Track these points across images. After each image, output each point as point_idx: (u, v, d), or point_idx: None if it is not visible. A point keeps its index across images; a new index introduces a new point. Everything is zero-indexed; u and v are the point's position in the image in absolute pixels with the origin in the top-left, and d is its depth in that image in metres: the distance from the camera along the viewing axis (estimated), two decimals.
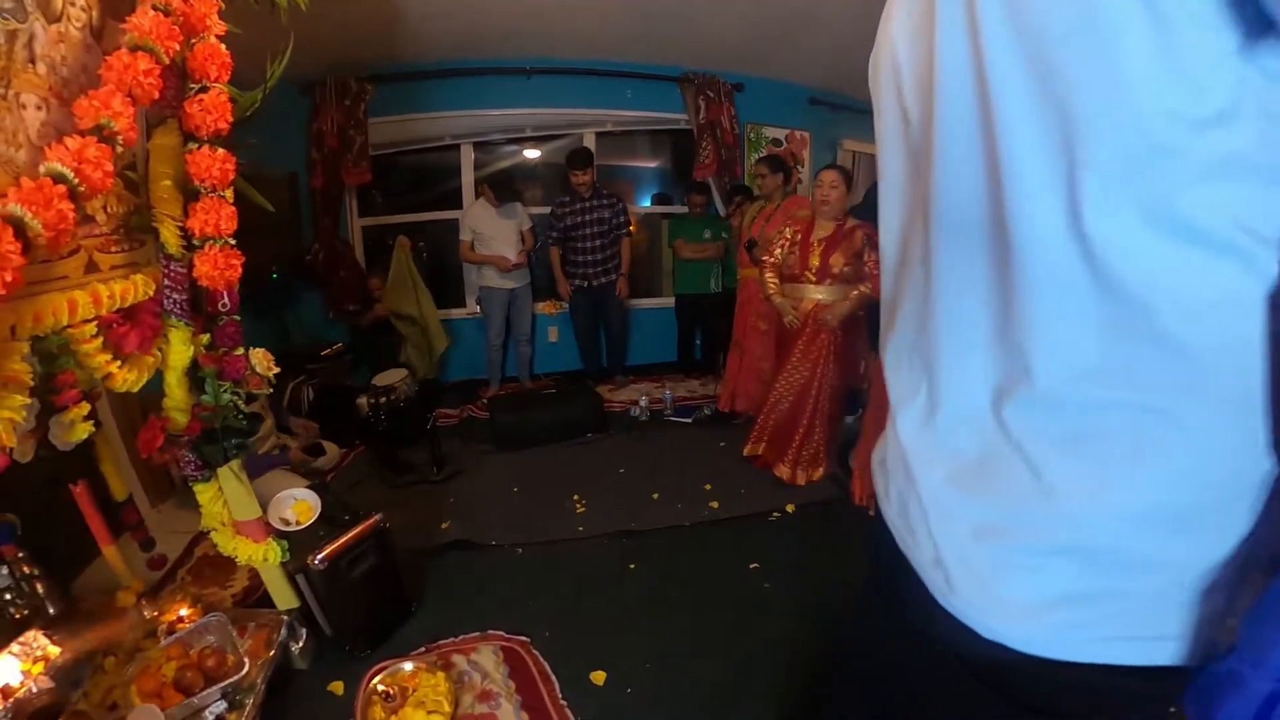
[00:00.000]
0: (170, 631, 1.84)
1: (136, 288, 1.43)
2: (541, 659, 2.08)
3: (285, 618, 1.97)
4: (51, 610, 1.81)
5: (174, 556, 2.51)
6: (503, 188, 4.52)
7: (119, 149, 1.17)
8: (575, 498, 3.20)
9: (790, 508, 3.09)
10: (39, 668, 1.60)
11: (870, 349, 3.45)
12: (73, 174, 1.06)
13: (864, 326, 3.23)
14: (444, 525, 2.93)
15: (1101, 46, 0.44)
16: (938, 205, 0.62)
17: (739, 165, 5.30)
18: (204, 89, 1.53)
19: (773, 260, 3.32)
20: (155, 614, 1.93)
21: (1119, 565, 0.53)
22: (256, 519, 1.91)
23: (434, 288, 4.78)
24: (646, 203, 6.04)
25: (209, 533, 1.91)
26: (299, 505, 2.08)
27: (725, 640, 2.16)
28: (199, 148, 1.55)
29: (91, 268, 1.35)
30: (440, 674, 1.90)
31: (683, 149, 5.56)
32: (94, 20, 1.35)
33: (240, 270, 1.65)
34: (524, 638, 2.17)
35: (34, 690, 1.54)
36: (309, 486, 2.23)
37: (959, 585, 0.62)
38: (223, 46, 1.55)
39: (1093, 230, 0.47)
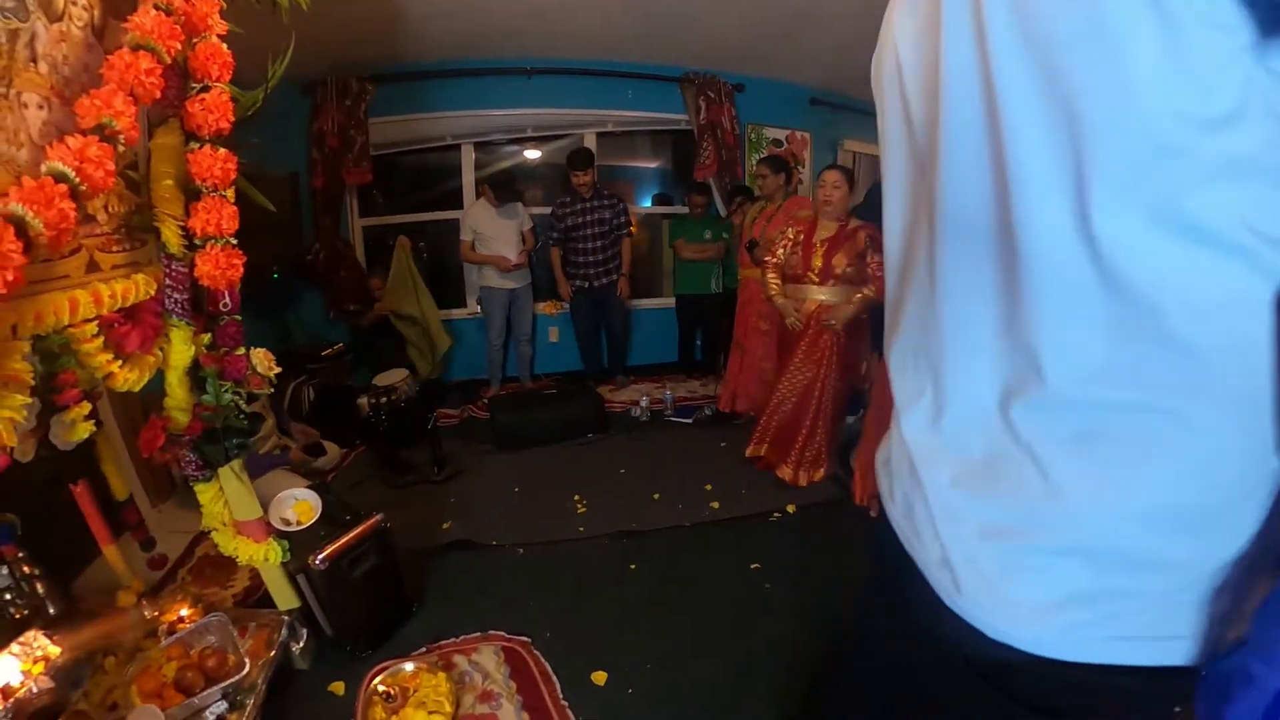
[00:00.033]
0: (171, 631, 1.84)
1: (138, 287, 1.42)
2: (543, 659, 2.07)
3: (286, 618, 1.96)
4: (52, 610, 1.81)
5: (175, 556, 2.51)
6: (503, 188, 4.52)
7: (120, 148, 1.17)
8: (576, 498, 3.20)
9: (791, 508, 3.08)
10: (39, 668, 1.60)
11: (872, 349, 3.45)
12: (74, 173, 1.06)
13: (867, 327, 3.22)
14: (445, 525, 2.93)
15: (1109, 51, 0.44)
16: (943, 207, 0.62)
17: (740, 166, 5.30)
18: (206, 88, 1.53)
19: (775, 261, 3.31)
20: (156, 614, 1.92)
21: (1127, 565, 0.53)
22: (257, 519, 1.91)
23: (434, 288, 4.78)
24: (647, 203, 6.05)
25: (210, 532, 1.90)
26: (300, 505, 2.08)
27: (726, 640, 2.16)
28: (200, 147, 1.54)
29: (93, 267, 1.34)
30: (441, 674, 1.90)
31: (683, 149, 5.56)
32: (96, 19, 1.35)
33: (242, 270, 1.64)
34: (525, 638, 2.17)
35: (34, 690, 1.54)
36: (310, 487, 2.22)
37: (966, 586, 0.62)
38: (224, 46, 1.55)
39: (1101, 232, 0.47)
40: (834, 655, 1.96)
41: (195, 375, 1.68)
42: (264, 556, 1.90)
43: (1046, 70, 0.48)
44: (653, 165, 6.07)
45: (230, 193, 1.61)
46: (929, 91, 0.62)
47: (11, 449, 1.14)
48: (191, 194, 1.57)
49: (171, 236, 1.54)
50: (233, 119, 1.57)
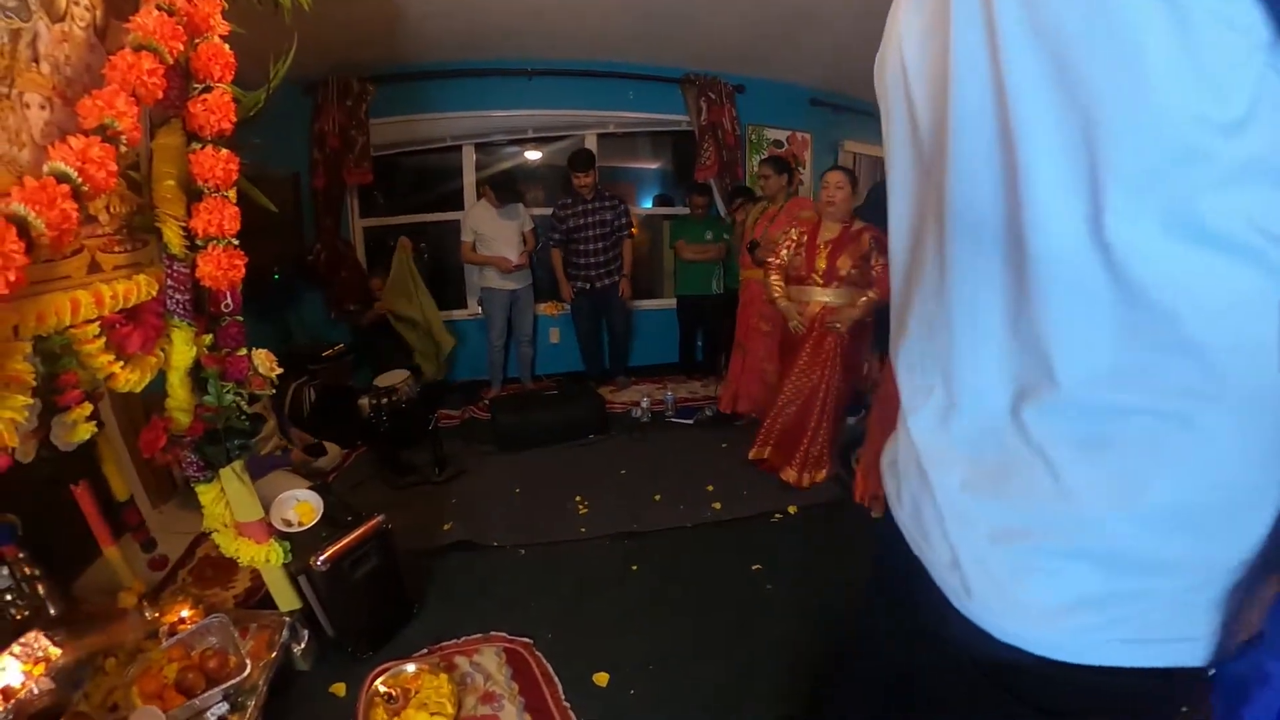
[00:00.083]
0: (172, 633, 1.83)
1: (139, 288, 1.42)
2: (544, 660, 2.07)
3: (287, 619, 1.96)
4: (52, 611, 1.81)
5: (175, 557, 2.51)
6: (504, 189, 4.51)
7: (123, 149, 1.17)
8: (577, 499, 3.20)
9: (793, 509, 3.08)
10: (40, 669, 1.60)
11: (874, 349, 3.44)
12: (76, 173, 1.06)
13: (870, 329, 3.22)
14: (446, 526, 2.92)
15: (1120, 45, 0.43)
16: (952, 208, 0.61)
17: (740, 167, 5.30)
18: (208, 89, 1.53)
19: (779, 262, 3.31)
20: (157, 615, 1.92)
21: (1137, 568, 0.53)
22: (259, 520, 1.91)
23: (435, 289, 4.78)
24: (648, 204, 6.05)
25: (211, 533, 1.90)
26: (301, 506, 2.08)
27: (728, 641, 2.16)
28: (202, 148, 1.54)
29: (94, 268, 1.34)
30: (443, 675, 1.90)
31: (684, 150, 5.55)
32: (98, 20, 1.35)
33: (243, 271, 1.64)
34: (527, 639, 2.17)
35: (35, 691, 1.54)
36: (311, 487, 2.22)
37: (976, 589, 0.62)
38: (226, 46, 1.55)
39: (1114, 236, 0.47)
40: (836, 656, 1.97)
41: (197, 376, 1.68)
42: (265, 558, 1.90)
43: (1057, 65, 0.48)
44: (653, 166, 6.07)
45: (232, 193, 1.61)
46: (936, 91, 0.61)
47: (12, 450, 1.14)
48: (193, 194, 1.57)
49: (173, 237, 1.54)
50: (235, 119, 1.57)
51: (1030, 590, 0.58)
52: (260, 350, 1.78)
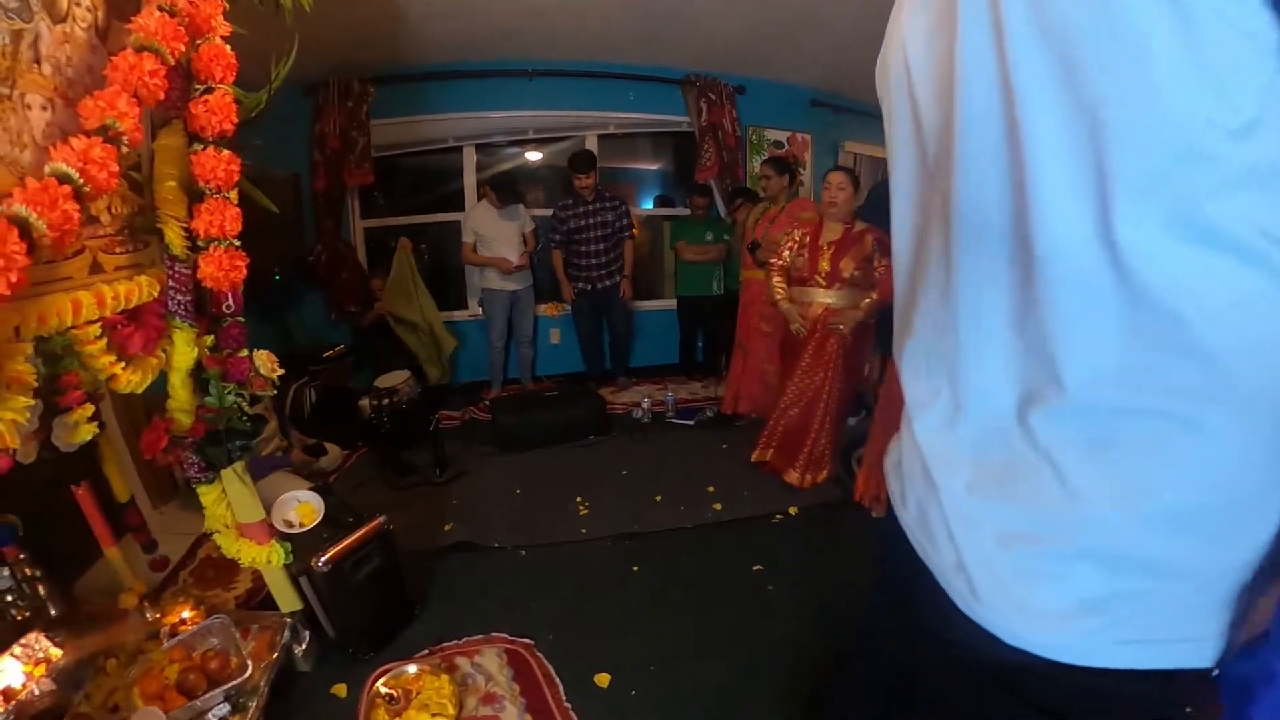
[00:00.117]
0: (173, 634, 1.84)
1: (141, 289, 1.42)
2: (545, 661, 2.07)
3: (288, 620, 1.96)
4: (53, 612, 1.80)
5: (176, 558, 2.51)
6: (505, 190, 4.51)
7: (124, 150, 1.17)
8: (578, 500, 3.20)
9: (793, 510, 3.08)
10: (41, 670, 1.59)
11: (876, 350, 3.44)
12: (78, 174, 1.06)
13: (872, 329, 3.22)
14: (447, 527, 2.92)
15: (1126, 46, 0.43)
16: (958, 210, 0.61)
17: (741, 167, 5.30)
18: (209, 90, 1.53)
19: (781, 263, 3.30)
20: (158, 616, 1.92)
21: (1143, 570, 0.53)
22: (260, 521, 1.91)
23: (436, 289, 4.78)
24: (648, 205, 6.05)
25: (212, 534, 1.90)
26: (302, 507, 2.08)
27: (728, 642, 2.16)
28: (204, 149, 1.55)
29: (96, 268, 1.35)
30: (444, 676, 1.90)
31: (684, 151, 5.55)
32: (99, 20, 1.35)
33: (245, 272, 1.64)
34: (528, 640, 2.17)
35: (36, 692, 1.54)
36: (312, 488, 2.22)
37: (983, 592, 0.62)
38: (228, 48, 1.55)
39: (1122, 238, 0.47)
40: (836, 656, 1.96)
41: (198, 377, 1.68)
42: (267, 559, 1.90)
43: (1064, 66, 0.48)
44: (654, 167, 6.07)
45: (233, 194, 1.61)
46: (941, 90, 0.61)
47: (14, 450, 1.14)
48: (195, 195, 1.57)
49: (175, 238, 1.54)
50: (236, 120, 1.57)
51: (1037, 594, 0.58)
52: (262, 351, 1.78)
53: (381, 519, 2.15)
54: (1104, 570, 0.54)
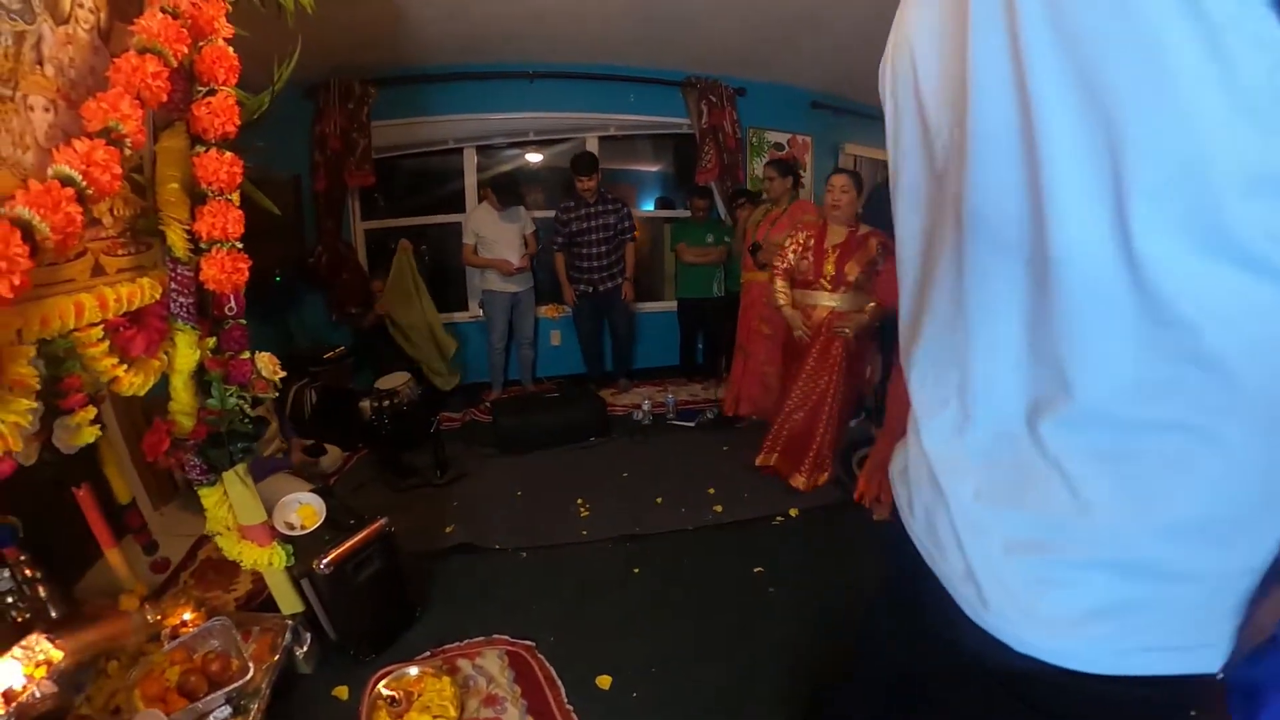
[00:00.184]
0: (174, 635, 1.83)
1: (143, 291, 1.42)
2: (547, 663, 2.07)
3: (290, 622, 1.96)
4: (54, 613, 1.80)
5: (177, 559, 2.50)
6: (506, 191, 4.51)
7: (127, 152, 1.17)
8: (579, 501, 3.20)
9: (794, 512, 3.08)
10: (41, 671, 1.59)
11: (878, 352, 3.44)
12: (81, 177, 1.06)
13: (875, 333, 3.22)
14: (447, 529, 2.92)
15: (1142, 50, 0.42)
16: (971, 215, 0.60)
17: (741, 169, 5.30)
18: (212, 92, 1.53)
19: (785, 266, 3.30)
20: (158, 618, 1.92)
21: (1154, 578, 0.53)
22: (262, 523, 1.90)
23: (436, 291, 4.78)
24: (649, 207, 6.04)
25: (213, 536, 1.90)
26: (304, 509, 2.07)
27: (729, 644, 2.16)
28: (206, 151, 1.54)
29: (98, 271, 1.35)
30: (445, 678, 1.90)
31: (685, 153, 5.55)
32: (102, 22, 1.35)
33: (247, 274, 1.64)
34: (529, 642, 2.17)
35: (37, 694, 1.53)
36: (313, 490, 2.22)
37: (992, 600, 0.62)
38: (230, 49, 1.55)
39: (1140, 247, 0.46)
40: (838, 658, 1.96)
41: (200, 379, 1.68)
42: (268, 561, 1.90)
43: (1082, 73, 0.47)
44: (654, 169, 6.06)
45: (235, 196, 1.61)
46: (954, 92, 0.60)
47: (15, 453, 1.14)
48: (197, 198, 1.57)
49: (177, 240, 1.54)
50: (239, 122, 1.57)
51: (1046, 601, 0.58)
52: (264, 353, 1.77)
53: (383, 521, 2.15)
54: (1114, 578, 0.54)
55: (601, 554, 2.77)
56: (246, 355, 1.74)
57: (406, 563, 2.28)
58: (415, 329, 4.62)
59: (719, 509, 3.12)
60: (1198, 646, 0.54)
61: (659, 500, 3.22)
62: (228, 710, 1.65)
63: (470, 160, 5.05)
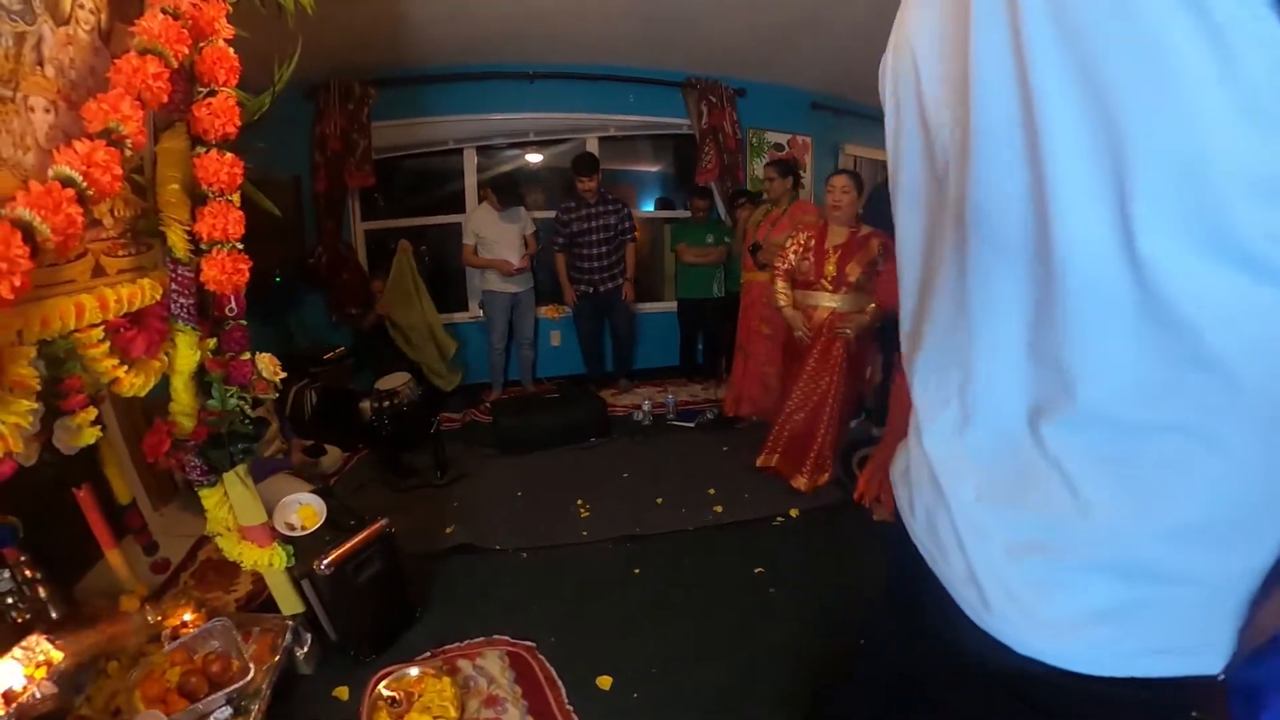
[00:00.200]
0: (174, 636, 1.83)
1: (144, 292, 1.42)
2: (547, 664, 2.07)
3: (290, 623, 1.96)
4: (54, 614, 1.80)
5: (177, 560, 2.50)
6: (506, 192, 4.51)
7: (127, 153, 1.17)
8: (579, 502, 3.20)
9: (794, 512, 3.08)
10: (42, 672, 1.59)
11: (878, 353, 3.44)
12: (82, 178, 1.06)
13: (876, 334, 3.21)
14: (448, 530, 2.92)
15: (1144, 47, 0.42)
16: (973, 215, 0.60)
17: (741, 170, 5.31)
18: (212, 93, 1.53)
19: (786, 267, 3.29)
20: (159, 618, 1.92)
21: (1155, 580, 0.53)
22: (262, 524, 1.90)
23: (436, 291, 4.79)
24: (649, 207, 6.05)
25: (213, 536, 1.90)
26: (304, 510, 2.07)
27: (730, 644, 2.16)
28: (207, 151, 1.54)
29: (99, 271, 1.34)
30: (446, 679, 1.90)
31: (685, 154, 5.56)
32: (102, 23, 1.35)
33: (248, 275, 1.64)
34: (529, 642, 2.17)
35: (37, 695, 1.54)
36: (313, 491, 2.22)
37: (994, 602, 0.62)
38: (231, 50, 1.55)
39: (1145, 251, 0.46)
40: (838, 658, 1.96)
41: (201, 380, 1.68)
42: (269, 561, 1.90)
43: (1084, 69, 0.46)
44: (654, 169, 6.07)
45: (236, 197, 1.61)
46: (955, 93, 0.60)
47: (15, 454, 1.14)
48: (197, 198, 1.57)
49: (178, 241, 1.54)
50: (239, 123, 1.57)
51: (1048, 603, 0.58)
52: (264, 354, 1.77)
53: (383, 522, 2.15)
54: (1116, 580, 0.54)
55: (602, 554, 2.77)
56: (247, 356, 1.73)
57: (407, 563, 2.28)
58: (415, 330, 4.62)
59: (719, 509, 3.12)
60: (1199, 648, 0.54)
61: (659, 501, 3.22)
62: (228, 711, 1.65)
63: (470, 161, 5.06)
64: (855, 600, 2.24)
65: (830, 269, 3.12)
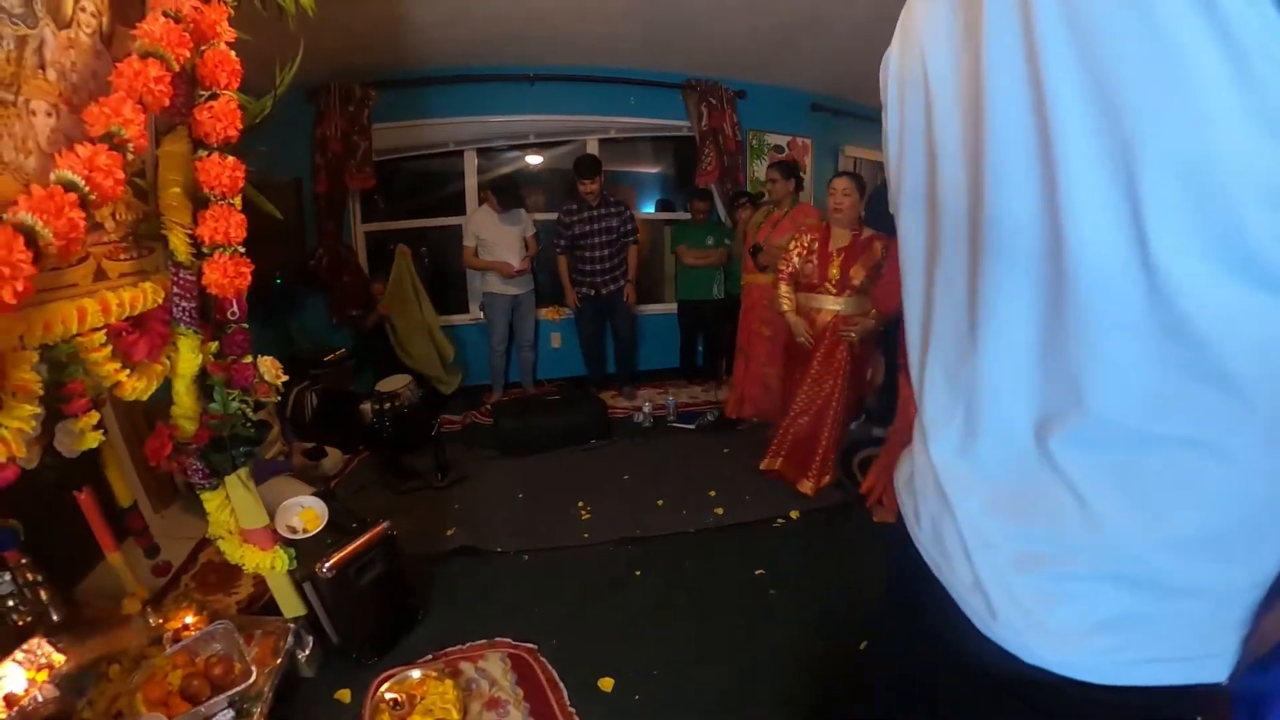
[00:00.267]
0: (176, 639, 1.83)
1: (145, 295, 1.42)
2: (549, 666, 2.07)
3: (292, 625, 1.96)
4: (55, 617, 1.80)
5: (178, 562, 2.51)
6: (506, 194, 4.51)
7: (129, 156, 1.17)
8: (580, 504, 3.20)
9: (795, 514, 3.08)
10: (43, 675, 1.59)
11: (880, 355, 3.43)
12: (84, 182, 1.05)
13: (878, 336, 3.21)
14: (449, 532, 2.92)
15: (1159, 52, 0.41)
16: (985, 224, 0.59)
17: (741, 172, 5.31)
18: (214, 96, 1.53)
19: (790, 270, 3.29)
20: (160, 621, 1.92)
21: (1163, 591, 0.53)
22: (264, 527, 1.90)
23: (436, 294, 4.79)
24: (649, 209, 6.05)
25: (215, 539, 1.90)
26: (306, 513, 2.07)
27: (731, 646, 2.16)
28: (208, 155, 1.55)
29: (100, 275, 1.34)
30: (448, 682, 1.89)
31: (685, 155, 5.56)
32: (104, 26, 1.35)
33: (249, 278, 1.64)
34: (531, 645, 2.17)
35: (39, 698, 1.54)
36: (315, 493, 2.22)
37: (1001, 612, 0.61)
38: (233, 53, 1.55)
39: (1160, 263, 0.45)
40: (839, 659, 1.96)
41: (203, 384, 1.68)
42: (270, 564, 1.90)
43: (1097, 74, 0.46)
44: (654, 171, 6.07)
45: (238, 200, 1.61)
46: (966, 99, 0.59)
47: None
48: (199, 202, 1.57)
49: (179, 244, 1.54)
50: (240, 127, 1.57)
51: (1055, 614, 0.57)
52: (266, 357, 1.78)
53: (385, 525, 2.15)
54: (1123, 591, 0.54)
55: (603, 556, 2.77)
56: (249, 359, 1.74)
57: (408, 565, 2.28)
58: (413, 335, 4.61)
59: (720, 511, 3.12)
60: (1204, 657, 0.54)
61: (660, 503, 3.21)
62: (230, 714, 1.65)
63: (471, 163, 5.06)
64: (856, 602, 2.24)
65: (834, 272, 3.12)
